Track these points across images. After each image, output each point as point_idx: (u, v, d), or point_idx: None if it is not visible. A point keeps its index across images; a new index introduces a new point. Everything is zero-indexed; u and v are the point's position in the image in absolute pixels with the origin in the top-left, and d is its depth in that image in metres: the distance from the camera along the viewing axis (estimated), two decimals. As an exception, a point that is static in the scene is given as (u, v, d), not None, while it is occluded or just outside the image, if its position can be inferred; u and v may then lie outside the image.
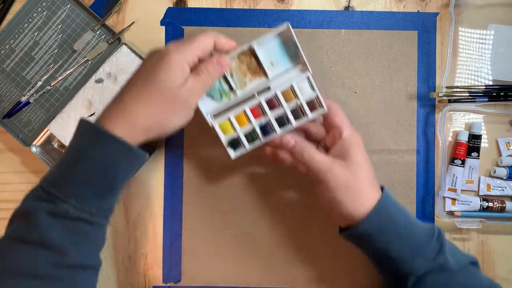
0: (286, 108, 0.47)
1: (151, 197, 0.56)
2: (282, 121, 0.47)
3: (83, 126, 0.41)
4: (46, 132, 0.55)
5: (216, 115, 0.48)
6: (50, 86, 0.54)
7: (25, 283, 0.37)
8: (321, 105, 0.47)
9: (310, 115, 0.47)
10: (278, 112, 0.47)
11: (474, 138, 0.55)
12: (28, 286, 0.37)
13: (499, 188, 0.55)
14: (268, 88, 0.47)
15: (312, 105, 0.47)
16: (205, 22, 0.56)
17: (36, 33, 0.54)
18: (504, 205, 0.54)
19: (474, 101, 0.54)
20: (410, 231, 0.43)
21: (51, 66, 0.54)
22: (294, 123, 0.47)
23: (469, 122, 0.56)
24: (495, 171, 0.55)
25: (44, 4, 0.54)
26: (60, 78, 0.54)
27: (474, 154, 0.55)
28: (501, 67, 0.56)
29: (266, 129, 0.48)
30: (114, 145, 0.39)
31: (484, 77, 0.56)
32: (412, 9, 0.56)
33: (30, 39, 0.54)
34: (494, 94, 0.54)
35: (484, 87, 0.55)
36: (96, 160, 0.39)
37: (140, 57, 0.54)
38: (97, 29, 0.54)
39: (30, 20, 0.54)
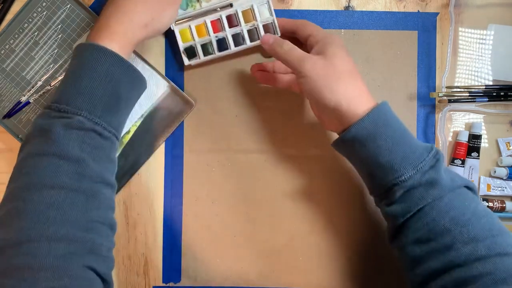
0: (244, 27, 0.52)
1: (151, 197, 0.56)
2: (238, 39, 0.52)
3: (80, 47, 0.43)
4: None
5: (178, 22, 0.52)
6: (50, 86, 0.54)
7: (50, 193, 0.37)
8: (275, 32, 0.52)
9: None
10: (235, 30, 0.52)
11: (474, 138, 0.55)
12: (53, 196, 0.37)
13: (499, 188, 0.55)
14: (231, 5, 0.52)
15: (268, 29, 0.52)
16: (205, 22, 0.56)
17: (36, 33, 0.54)
18: (504, 205, 0.55)
19: (474, 101, 0.54)
20: (405, 140, 0.42)
21: (51, 66, 0.54)
22: (248, 43, 0.52)
23: (469, 122, 0.56)
24: (495, 171, 0.55)
25: (44, 4, 0.54)
26: (60, 78, 0.54)
27: (474, 154, 0.55)
28: (501, 67, 0.56)
29: (222, 43, 0.52)
30: (113, 60, 0.42)
31: (484, 77, 0.56)
32: (412, 9, 0.56)
33: (30, 39, 0.54)
34: (494, 94, 0.54)
35: (484, 87, 0.55)
36: (99, 75, 0.41)
37: (139, 56, 0.54)
38: None
39: (30, 20, 0.54)
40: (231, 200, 0.56)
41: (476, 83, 0.56)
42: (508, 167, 0.55)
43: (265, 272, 0.55)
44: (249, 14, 0.52)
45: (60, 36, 0.54)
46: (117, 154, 0.53)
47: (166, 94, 0.55)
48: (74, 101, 0.40)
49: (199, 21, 0.52)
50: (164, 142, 0.56)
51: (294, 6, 0.56)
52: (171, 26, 0.52)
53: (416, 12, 0.56)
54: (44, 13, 0.54)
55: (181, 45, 0.53)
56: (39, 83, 0.54)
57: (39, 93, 0.54)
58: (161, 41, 0.55)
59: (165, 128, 0.55)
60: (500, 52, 0.56)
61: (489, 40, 0.56)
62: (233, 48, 0.52)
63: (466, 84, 0.56)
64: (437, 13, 0.56)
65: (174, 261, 0.55)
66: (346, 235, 0.55)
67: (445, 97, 0.54)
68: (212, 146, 0.55)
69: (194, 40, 0.53)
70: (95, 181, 0.40)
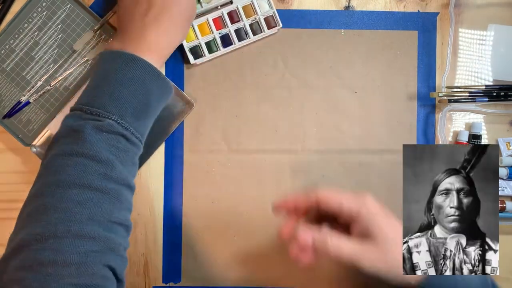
0: (246, 21, 0.53)
1: (151, 197, 0.56)
2: (240, 34, 0.54)
3: (112, 53, 0.44)
4: (46, 132, 0.54)
5: None
6: (50, 86, 0.54)
7: (78, 191, 0.38)
8: (277, 23, 0.54)
9: (266, 31, 0.54)
10: (237, 25, 0.53)
11: (474, 138, 0.55)
12: (81, 195, 0.38)
13: (499, 188, 0.55)
14: (231, 2, 0.53)
15: (269, 22, 0.54)
16: (205, 22, 0.56)
17: (36, 33, 0.54)
18: (504, 205, 0.55)
19: (474, 101, 0.54)
20: (467, 283, 0.41)
21: (51, 66, 0.54)
22: (252, 36, 0.54)
23: (469, 122, 0.56)
24: (495, 171, 0.55)
25: (44, 4, 0.54)
26: (60, 78, 0.54)
27: (474, 154, 0.55)
28: (501, 67, 0.56)
29: (226, 39, 0.54)
30: (146, 70, 0.43)
31: (484, 77, 0.56)
32: (412, 9, 0.56)
33: (30, 39, 0.54)
34: (494, 94, 0.54)
35: (484, 87, 0.55)
36: (132, 83, 0.42)
37: None
38: (97, 29, 0.54)
39: (30, 20, 0.54)
40: (231, 200, 0.56)
41: (476, 83, 0.56)
42: (508, 167, 0.55)
43: (265, 272, 0.55)
44: (249, 9, 0.53)
45: (60, 36, 0.54)
46: None
47: None
48: (107, 106, 0.41)
49: (201, 20, 0.53)
50: (164, 142, 0.56)
51: (294, 6, 0.56)
52: None
53: (416, 12, 0.56)
54: (44, 13, 0.54)
55: (186, 45, 0.53)
56: (39, 83, 0.54)
57: (39, 93, 0.54)
58: (161, 41, 0.55)
59: (165, 128, 0.55)
60: (500, 52, 0.56)
61: (489, 40, 0.56)
62: (237, 43, 0.54)
63: (466, 84, 0.56)
64: (437, 13, 0.56)
65: (174, 261, 0.55)
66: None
67: (445, 97, 0.54)
68: (212, 146, 0.56)
69: (198, 39, 0.53)
70: (120, 183, 0.41)
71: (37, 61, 0.54)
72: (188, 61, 0.54)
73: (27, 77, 0.54)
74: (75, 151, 0.39)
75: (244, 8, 0.53)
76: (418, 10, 0.56)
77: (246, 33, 0.54)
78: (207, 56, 0.54)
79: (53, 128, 0.54)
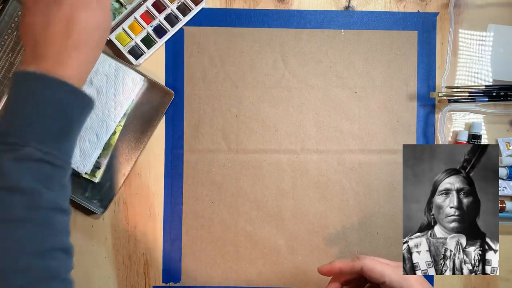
0: (172, 6, 0.54)
1: (151, 197, 0.56)
2: (171, 19, 0.55)
3: (28, 75, 0.40)
4: None
5: (111, 30, 0.54)
6: None
7: (5, 226, 0.37)
8: None
9: (195, 8, 0.54)
10: (165, 12, 0.54)
11: (474, 138, 0.55)
12: (9, 229, 0.37)
13: (499, 188, 0.55)
14: None
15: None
16: (205, 22, 0.56)
17: (10, 55, 0.55)
18: (504, 205, 0.55)
19: (474, 101, 0.54)
20: None
21: None
22: (183, 18, 0.54)
23: (469, 122, 0.56)
24: (495, 171, 0.55)
25: (12, 25, 0.54)
26: None
27: (474, 154, 0.55)
28: (501, 67, 0.56)
29: (159, 30, 0.55)
30: (65, 89, 0.41)
31: (484, 77, 0.56)
32: (412, 9, 0.56)
33: (6, 62, 0.55)
34: (494, 94, 0.54)
35: (484, 87, 0.55)
36: (50, 104, 0.40)
37: (109, 54, 0.54)
38: None
39: (2, 43, 0.55)
40: (231, 200, 0.56)
41: (476, 83, 0.56)
42: (508, 167, 0.55)
43: (265, 272, 0.55)
44: None
45: None
46: (107, 158, 0.54)
47: (144, 88, 0.55)
48: (22, 133, 0.39)
49: (130, 20, 0.55)
50: (150, 138, 0.56)
51: (294, 6, 0.56)
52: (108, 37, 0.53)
53: (416, 12, 0.56)
54: (15, 33, 0.55)
55: (123, 49, 0.54)
56: None
57: None
58: (161, 48, 0.55)
59: (149, 122, 0.55)
60: (500, 52, 0.56)
61: (489, 40, 0.56)
62: (171, 29, 0.55)
63: (466, 84, 0.56)
64: (437, 13, 0.56)
65: (174, 261, 0.55)
66: (346, 234, 0.55)
67: (445, 97, 0.54)
68: (212, 146, 0.56)
69: (132, 39, 0.54)
70: (49, 209, 0.40)
71: None
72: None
73: None
74: None
75: None
76: (418, 10, 0.56)
77: (176, 17, 0.55)
78: (147, 52, 0.55)
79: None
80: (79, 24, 0.42)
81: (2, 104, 0.54)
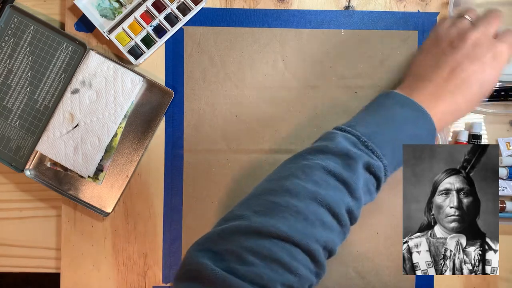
0: (172, 6, 0.54)
1: (151, 197, 0.56)
2: (171, 19, 0.55)
3: (404, 99, 0.43)
4: (36, 154, 0.55)
5: (110, 30, 0.54)
6: (31, 110, 0.55)
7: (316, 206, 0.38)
8: None
9: (195, 8, 0.54)
10: (165, 12, 0.54)
11: (474, 138, 0.55)
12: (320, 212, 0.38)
13: (499, 188, 0.55)
14: None
15: None
16: (205, 22, 0.56)
17: (8, 61, 0.55)
18: (504, 205, 0.55)
19: (474, 101, 0.54)
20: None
21: (28, 89, 0.55)
22: (182, 18, 0.54)
23: (469, 122, 0.56)
24: (495, 171, 0.55)
25: (9, 32, 0.55)
26: (40, 100, 0.55)
27: (474, 154, 0.55)
28: (501, 67, 0.56)
29: (159, 30, 0.55)
30: (427, 128, 0.42)
31: (484, 77, 0.56)
32: (412, 9, 0.56)
33: (4, 69, 0.55)
34: (494, 94, 0.54)
35: (484, 87, 0.55)
36: (412, 139, 0.42)
37: (106, 57, 0.54)
38: (63, 43, 0.55)
39: (0, 50, 0.55)
40: (231, 200, 0.56)
41: (476, 83, 0.56)
42: (508, 167, 0.55)
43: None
44: None
45: (30, 58, 0.55)
46: (110, 160, 0.55)
47: (144, 89, 0.55)
48: (381, 144, 0.40)
49: (129, 20, 0.54)
50: (152, 138, 0.56)
51: (294, 6, 0.56)
52: (107, 36, 0.53)
53: (416, 12, 0.56)
54: (11, 40, 0.55)
55: (123, 49, 0.54)
56: (21, 107, 0.55)
57: (23, 119, 0.55)
58: (161, 47, 0.55)
59: (150, 123, 0.55)
60: (500, 52, 0.56)
61: (489, 40, 0.56)
62: (170, 29, 0.54)
63: (466, 84, 0.56)
64: (437, 13, 0.56)
65: (174, 261, 0.55)
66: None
67: (445, 97, 0.54)
68: (212, 146, 0.56)
69: (132, 39, 0.54)
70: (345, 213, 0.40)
71: (14, 88, 0.55)
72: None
73: (8, 105, 0.55)
74: (340, 177, 0.39)
75: None
76: (418, 10, 0.56)
77: (176, 17, 0.54)
78: (147, 52, 0.54)
79: (41, 148, 0.54)
80: (464, 73, 0.43)
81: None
